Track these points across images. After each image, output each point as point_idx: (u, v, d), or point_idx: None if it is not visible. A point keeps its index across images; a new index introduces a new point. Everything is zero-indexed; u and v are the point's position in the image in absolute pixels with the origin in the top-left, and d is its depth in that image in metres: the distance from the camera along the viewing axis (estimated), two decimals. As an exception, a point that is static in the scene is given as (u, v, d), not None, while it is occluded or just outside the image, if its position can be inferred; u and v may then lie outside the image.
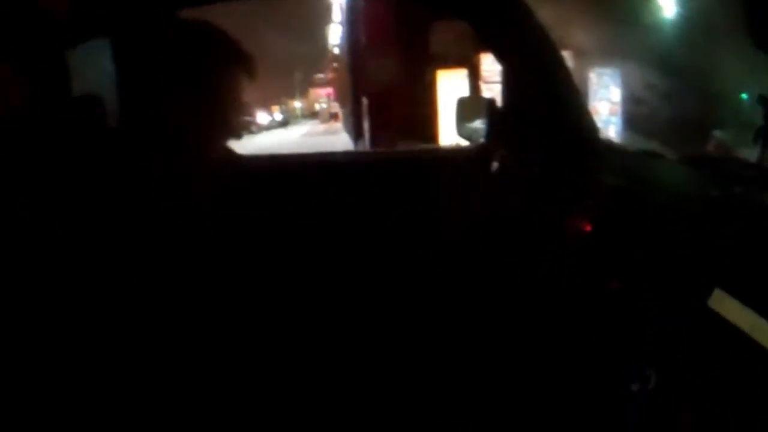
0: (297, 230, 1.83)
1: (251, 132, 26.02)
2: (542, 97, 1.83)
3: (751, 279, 0.86)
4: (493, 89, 8.05)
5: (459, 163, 2.09)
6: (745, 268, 0.88)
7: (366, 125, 9.85)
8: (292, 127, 41.15)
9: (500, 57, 2.02)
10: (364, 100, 9.85)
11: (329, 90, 50.76)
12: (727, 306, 0.85)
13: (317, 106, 59.69)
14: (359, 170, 2.11)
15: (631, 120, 7.57)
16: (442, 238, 1.82)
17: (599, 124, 7.85)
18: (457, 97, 2.27)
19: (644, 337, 1.02)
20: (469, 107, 2.15)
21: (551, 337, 1.40)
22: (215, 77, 1.25)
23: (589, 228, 1.31)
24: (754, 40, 1.13)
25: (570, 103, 1.80)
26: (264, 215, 1.59)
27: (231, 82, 1.27)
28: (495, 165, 1.87)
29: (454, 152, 2.35)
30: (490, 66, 8.42)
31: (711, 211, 1.02)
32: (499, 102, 2.03)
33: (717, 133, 6.01)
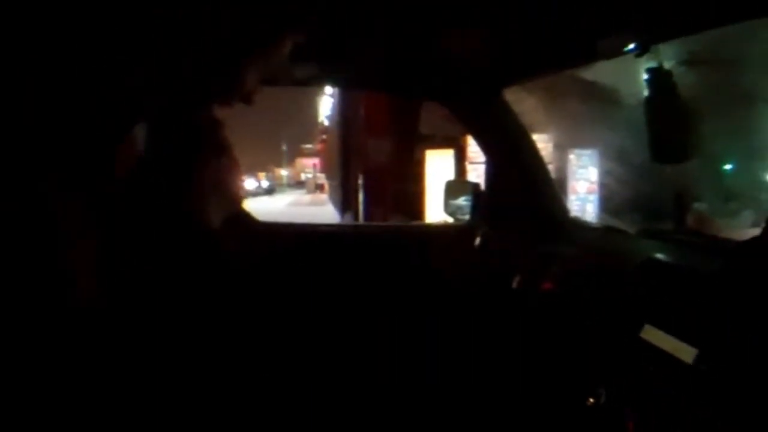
0: (304, 288, 2.09)
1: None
2: (519, 182, 2.19)
3: (670, 316, 1.19)
4: (478, 169, 8.09)
5: (448, 238, 2.42)
6: (666, 309, 1.22)
7: (360, 200, 10.04)
8: (278, 195, 41.10)
9: (481, 145, 2.37)
10: (360, 177, 10.06)
11: (316, 161, 50.77)
12: (653, 335, 1.18)
13: (303, 176, 59.62)
14: (365, 240, 2.41)
15: (608, 197, 7.75)
16: (434, 299, 2.13)
17: (578, 202, 7.98)
18: (446, 180, 2.62)
19: (596, 363, 1.34)
20: (455, 189, 2.48)
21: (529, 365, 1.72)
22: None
23: (553, 288, 1.66)
24: (651, 154, 1.53)
25: (542, 188, 2.16)
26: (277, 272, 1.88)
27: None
28: (478, 240, 2.21)
29: (444, 228, 2.64)
30: (476, 147, 8.48)
31: (643, 270, 1.38)
32: (482, 185, 2.37)
33: (697, 206, 6.24)
